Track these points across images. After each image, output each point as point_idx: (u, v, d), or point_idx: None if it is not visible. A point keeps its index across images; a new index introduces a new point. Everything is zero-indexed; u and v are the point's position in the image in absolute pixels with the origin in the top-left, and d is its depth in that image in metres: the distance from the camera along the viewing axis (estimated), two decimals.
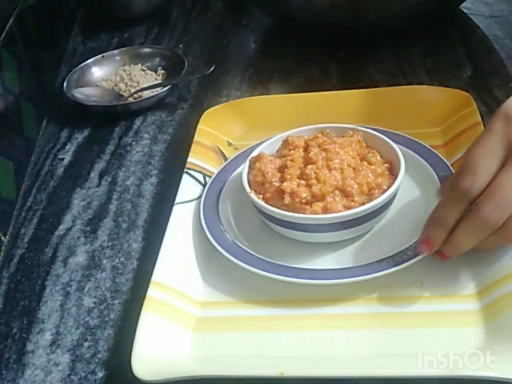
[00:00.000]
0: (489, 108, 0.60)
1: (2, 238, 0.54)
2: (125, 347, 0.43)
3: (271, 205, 0.46)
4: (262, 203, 0.46)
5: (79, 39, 0.88)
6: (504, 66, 0.67)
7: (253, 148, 0.53)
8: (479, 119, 0.54)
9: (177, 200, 0.51)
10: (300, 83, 0.69)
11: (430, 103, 0.58)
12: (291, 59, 0.75)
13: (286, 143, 0.50)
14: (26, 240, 0.55)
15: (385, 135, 0.51)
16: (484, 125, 0.53)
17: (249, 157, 0.50)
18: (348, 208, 0.44)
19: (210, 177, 0.54)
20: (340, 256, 0.46)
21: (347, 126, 0.52)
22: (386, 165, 0.48)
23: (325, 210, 0.44)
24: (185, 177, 0.53)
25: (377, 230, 0.48)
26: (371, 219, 0.46)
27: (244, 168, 0.50)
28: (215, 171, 0.55)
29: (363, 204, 0.45)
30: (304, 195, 0.45)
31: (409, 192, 0.50)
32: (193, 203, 0.52)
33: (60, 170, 0.63)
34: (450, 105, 0.57)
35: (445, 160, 0.51)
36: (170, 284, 0.44)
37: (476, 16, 0.78)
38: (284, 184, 0.46)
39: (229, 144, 0.60)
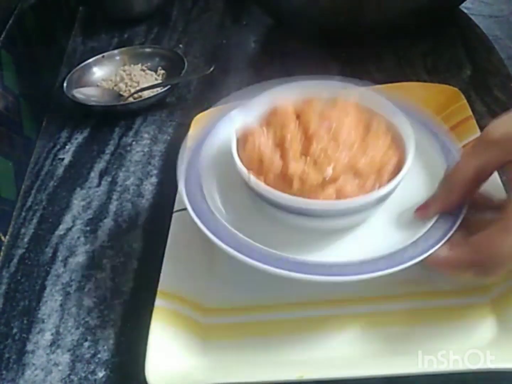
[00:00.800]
0: (489, 108, 0.60)
1: (2, 238, 0.54)
2: (125, 347, 0.43)
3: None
4: (269, 189, 0.39)
5: (79, 39, 0.88)
6: (504, 66, 0.67)
7: (223, 111, 0.47)
8: (470, 113, 0.54)
9: (176, 208, 0.50)
10: None
11: (420, 99, 0.58)
12: (291, 59, 0.75)
13: (274, 110, 0.43)
14: (26, 240, 0.55)
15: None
16: (476, 121, 0.53)
17: (236, 130, 0.43)
18: (361, 190, 0.39)
19: None
20: (347, 245, 0.41)
21: (338, 85, 0.46)
22: (390, 133, 0.42)
23: (339, 193, 0.39)
24: None
25: (383, 214, 0.42)
26: (384, 200, 0.41)
27: (232, 143, 0.42)
28: None
29: (375, 184, 0.39)
30: (315, 178, 0.39)
31: (413, 166, 0.42)
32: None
33: (60, 170, 0.63)
34: (439, 100, 0.57)
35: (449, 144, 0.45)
36: (177, 293, 0.44)
37: (476, 16, 0.78)
38: (291, 166, 0.39)
39: None
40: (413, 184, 0.43)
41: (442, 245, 0.38)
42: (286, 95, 0.44)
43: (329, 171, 0.39)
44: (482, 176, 0.39)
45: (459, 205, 0.40)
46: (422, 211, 0.41)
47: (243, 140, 0.42)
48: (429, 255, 0.37)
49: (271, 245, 0.39)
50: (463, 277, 0.38)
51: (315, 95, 0.44)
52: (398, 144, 0.42)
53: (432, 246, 0.38)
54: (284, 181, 0.39)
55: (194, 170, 0.44)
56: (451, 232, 0.38)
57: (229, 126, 0.45)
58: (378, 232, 0.42)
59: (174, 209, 0.50)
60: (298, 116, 0.42)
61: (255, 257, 0.38)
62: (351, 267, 0.38)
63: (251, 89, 0.46)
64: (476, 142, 0.39)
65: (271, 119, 0.43)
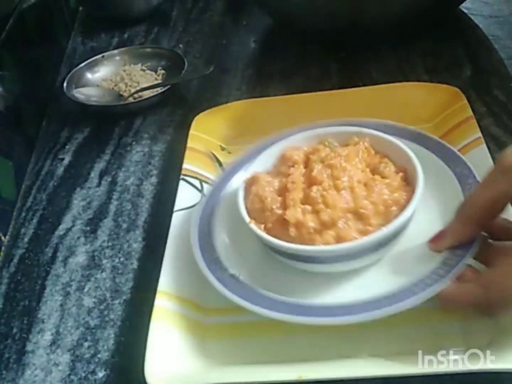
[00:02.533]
0: (489, 108, 0.59)
1: (2, 238, 0.54)
2: (125, 347, 0.43)
3: (274, 236, 0.41)
4: (266, 236, 0.41)
5: (79, 39, 0.88)
6: (504, 66, 0.67)
7: (242, 162, 0.49)
8: (471, 113, 0.54)
9: (176, 207, 0.50)
10: (300, 83, 0.69)
11: (421, 99, 0.58)
12: (291, 59, 0.75)
13: (283, 158, 0.45)
14: (26, 240, 0.55)
15: (395, 133, 0.46)
16: (477, 121, 0.53)
17: (244, 179, 0.45)
18: (363, 233, 0.39)
19: (206, 182, 0.53)
20: (355, 287, 0.41)
21: (350, 130, 0.46)
22: (401, 174, 0.42)
23: (338, 238, 0.39)
24: (182, 183, 0.53)
25: (392, 257, 0.42)
26: (391, 241, 0.40)
27: (238, 192, 0.44)
28: (210, 176, 0.54)
29: (380, 226, 0.39)
30: (312, 224, 0.39)
31: (424, 202, 0.42)
32: (193, 210, 0.51)
33: (60, 170, 0.63)
34: (440, 100, 0.57)
35: (462, 157, 0.45)
36: (176, 293, 0.44)
37: (476, 16, 0.77)
38: (288, 213, 0.40)
39: (222, 148, 0.59)
40: (429, 219, 0.43)
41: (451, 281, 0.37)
42: (297, 143, 0.46)
43: (324, 216, 0.39)
44: (497, 207, 0.37)
45: (473, 237, 0.39)
46: (436, 242, 0.40)
47: (250, 189, 0.44)
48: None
49: (278, 289, 0.40)
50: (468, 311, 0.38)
51: (325, 141, 0.46)
52: (408, 182, 0.42)
53: (439, 285, 0.37)
54: (282, 228, 0.40)
55: (206, 216, 0.47)
56: (459, 269, 0.37)
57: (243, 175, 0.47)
58: (391, 270, 0.41)
59: (175, 209, 0.50)
60: (305, 164, 0.44)
61: (260, 304, 0.39)
62: (355, 308, 0.37)
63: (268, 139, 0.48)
64: (491, 171, 0.37)
65: (279, 168, 0.45)
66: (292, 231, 0.40)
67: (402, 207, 0.40)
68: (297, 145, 0.46)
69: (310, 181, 0.42)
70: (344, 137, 0.46)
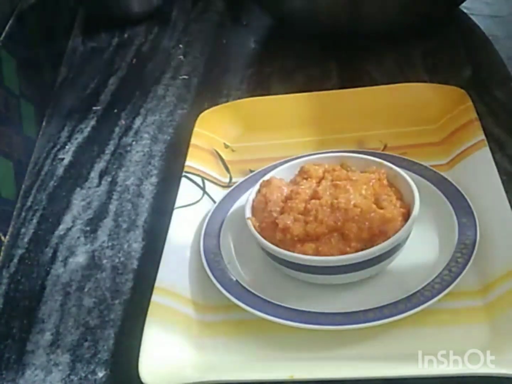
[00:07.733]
0: (489, 108, 0.59)
1: (2, 238, 0.54)
2: (125, 347, 0.43)
3: (265, 236, 0.43)
4: (255, 231, 0.44)
5: (79, 39, 0.88)
6: (504, 66, 0.67)
7: (265, 171, 0.51)
8: (476, 115, 0.54)
9: (177, 204, 0.51)
10: (300, 83, 0.69)
11: (426, 100, 0.58)
12: (291, 59, 0.75)
13: (302, 170, 0.47)
14: (26, 240, 0.55)
15: (416, 170, 0.49)
16: (481, 123, 0.53)
17: (261, 180, 0.48)
18: (342, 253, 0.41)
19: (208, 180, 0.54)
20: (349, 298, 0.43)
21: (371, 159, 0.48)
22: (402, 210, 0.43)
23: (317, 252, 0.41)
24: (184, 181, 0.53)
25: (388, 271, 0.44)
26: (368, 267, 0.42)
27: (252, 190, 0.47)
28: (212, 174, 0.55)
29: (361, 250, 0.41)
30: (297, 232, 0.42)
31: (426, 230, 0.46)
32: (193, 207, 0.51)
33: (60, 170, 0.63)
34: (445, 102, 0.57)
35: (470, 204, 0.46)
36: (173, 289, 0.44)
37: (476, 16, 0.77)
38: (280, 217, 0.43)
39: (226, 146, 0.59)
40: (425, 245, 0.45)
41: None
42: (321, 161, 0.48)
43: (310, 229, 0.41)
44: None
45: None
46: None
47: (261, 190, 0.47)
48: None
49: (277, 296, 0.43)
50: None
51: (345, 164, 0.48)
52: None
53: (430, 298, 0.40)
54: (273, 231, 0.43)
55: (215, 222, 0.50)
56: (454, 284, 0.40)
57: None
58: (387, 284, 0.43)
59: (175, 206, 0.50)
60: (319, 180, 0.46)
61: (252, 305, 0.42)
62: (347, 318, 0.40)
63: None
64: None
65: (296, 178, 0.47)
66: (278, 235, 0.42)
67: (387, 239, 0.41)
68: (319, 162, 0.48)
69: (314, 195, 0.44)
70: (364, 164, 0.48)
